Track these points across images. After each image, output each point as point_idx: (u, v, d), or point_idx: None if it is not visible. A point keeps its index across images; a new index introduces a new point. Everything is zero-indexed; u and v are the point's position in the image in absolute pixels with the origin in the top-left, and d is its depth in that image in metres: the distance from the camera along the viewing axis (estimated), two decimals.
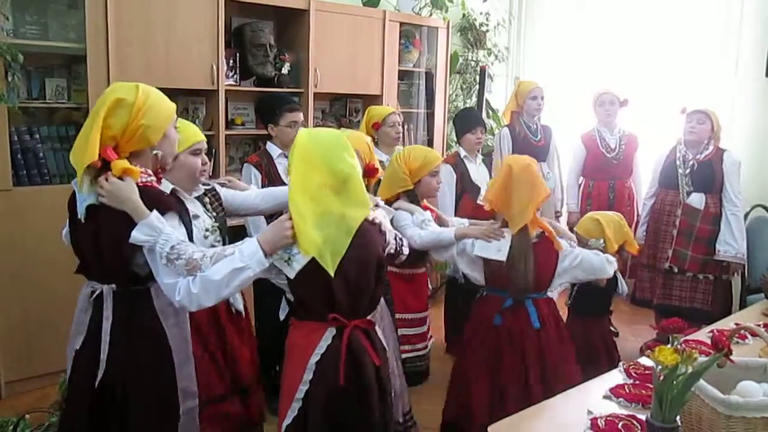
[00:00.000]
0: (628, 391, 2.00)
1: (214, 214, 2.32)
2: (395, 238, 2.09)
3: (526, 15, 5.78)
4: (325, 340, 1.83)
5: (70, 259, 1.97)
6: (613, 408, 1.91)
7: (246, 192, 2.55)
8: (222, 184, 2.52)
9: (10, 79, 3.06)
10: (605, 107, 4.20)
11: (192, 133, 2.23)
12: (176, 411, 1.94)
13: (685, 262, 3.69)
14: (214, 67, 3.78)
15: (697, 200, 3.67)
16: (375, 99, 4.59)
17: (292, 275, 1.80)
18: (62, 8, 3.38)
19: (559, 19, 5.48)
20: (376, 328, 1.97)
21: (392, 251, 2.06)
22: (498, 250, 2.46)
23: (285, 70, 4.19)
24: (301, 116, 3.22)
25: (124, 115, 1.77)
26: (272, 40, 4.14)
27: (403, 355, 2.81)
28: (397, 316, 2.76)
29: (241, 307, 2.40)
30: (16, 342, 3.26)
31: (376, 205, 2.42)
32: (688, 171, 3.69)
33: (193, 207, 2.21)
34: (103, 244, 1.81)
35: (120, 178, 1.76)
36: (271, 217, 2.73)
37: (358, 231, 1.82)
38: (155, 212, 1.76)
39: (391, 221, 2.57)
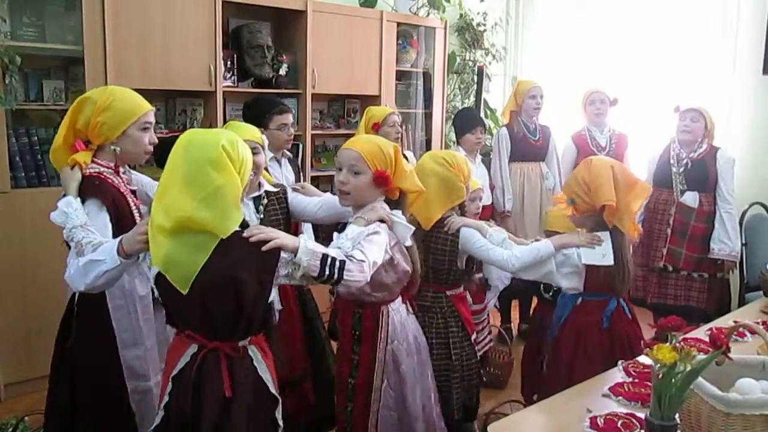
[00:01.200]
0: (627, 389, 2.00)
1: (261, 216, 2.36)
2: (325, 260, 1.69)
3: (523, 15, 5.79)
4: (185, 357, 1.72)
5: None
6: (612, 406, 1.91)
7: (309, 199, 2.57)
8: (295, 190, 2.60)
9: (7, 81, 3.06)
10: (595, 106, 4.19)
11: (239, 133, 2.03)
12: (123, 389, 2.11)
13: (680, 260, 3.69)
14: (212, 68, 3.78)
15: (691, 199, 3.67)
16: (373, 99, 4.59)
17: (152, 281, 1.74)
18: (60, 10, 3.38)
19: (556, 18, 5.49)
20: (255, 356, 1.75)
21: (313, 274, 1.69)
22: (603, 255, 2.38)
23: (283, 71, 4.19)
24: (291, 118, 3.15)
25: (87, 111, 2.10)
26: (270, 41, 4.14)
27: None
28: (474, 336, 2.62)
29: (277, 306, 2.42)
30: (15, 344, 3.26)
31: (381, 220, 2.04)
32: (681, 169, 3.69)
33: (243, 206, 2.15)
34: None
35: (73, 167, 2.07)
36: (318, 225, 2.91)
37: (220, 249, 1.62)
38: (68, 198, 1.99)
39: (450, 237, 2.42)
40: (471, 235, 2.44)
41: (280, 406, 1.81)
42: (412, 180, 2.16)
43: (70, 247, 1.97)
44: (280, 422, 1.82)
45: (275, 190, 2.46)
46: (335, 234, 2.02)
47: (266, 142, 2.56)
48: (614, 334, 2.44)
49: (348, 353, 2.25)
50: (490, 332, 3.51)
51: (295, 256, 1.67)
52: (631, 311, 2.55)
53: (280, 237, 1.68)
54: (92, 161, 2.13)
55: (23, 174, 3.26)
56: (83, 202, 2.02)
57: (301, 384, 2.49)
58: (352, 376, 2.23)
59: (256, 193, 2.36)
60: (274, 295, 2.00)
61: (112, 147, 2.14)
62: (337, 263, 1.71)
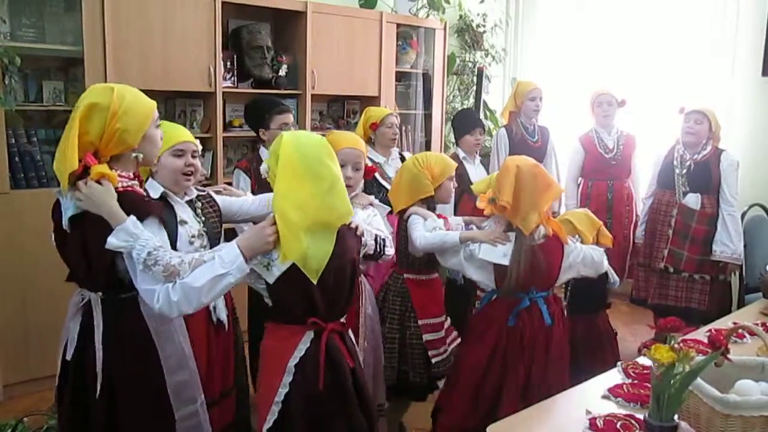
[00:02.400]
0: (626, 390, 2.00)
1: (203, 219, 2.24)
2: (376, 239, 2.10)
3: (522, 16, 5.79)
4: (303, 344, 1.83)
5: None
6: (611, 408, 1.91)
7: (242, 198, 2.50)
8: (217, 192, 2.48)
9: (7, 81, 3.06)
10: (603, 108, 4.20)
11: (174, 134, 2.17)
12: (170, 417, 1.94)
13: (681, 262, 3.69)
14: (212, 69, 3.78)
15: (693, 200, 3.67)
16: (372, 100, 4.59)
17: (271, 280, 1.78)
18: (59, 11, 3.38)
19: (555, 19, 5.49)
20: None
21: (371, 252, 2.07)
22: (504, 254, 2.42)
23: (282, 72, 4.20)
24: (291, 117, 3.16)
25: (99, 119, 1.77)
26: (269, 42, 4.14)
27: (432, 360, 2.80)
28: (421, 322, 2.77)
29: (223, 317, 2.32)
30: (15, 345, 3.26)
31: (370, 204, 2.45)
32: (684, 171, 3.69)
33: (182, 211, 2.16)
34: (91, 252, 1.81)
35: (98, 182, 1.75)
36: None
37: (336, 237, 1.84)
38: (132, 217, 1.74)
39: (399, 220, 2.66)
40: (412, 220, 2.66)
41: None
42: None
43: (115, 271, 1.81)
44: None
45: (203, 193, 2.36)
46: None
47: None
48: (517, 335, 2.44)
49: None
50: None
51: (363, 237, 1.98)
52: (554, 314, 2.50)
53: (360, 222, 2.00)
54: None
55: (23, 175, 3.26)
56: (140, 222, 1.77)
57: (231, 394, 2.46)
58: None
59: (188, 197, 2.25)
60: (219, 302, 2.22)
61: (134, 154, 1.87)
62: (382, 241, 2.11)
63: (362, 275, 2.58)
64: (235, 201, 2.47)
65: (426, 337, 2.78)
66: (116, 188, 1.78)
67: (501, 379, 2.44)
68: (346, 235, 1.89)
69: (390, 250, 2.19)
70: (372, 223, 2.22)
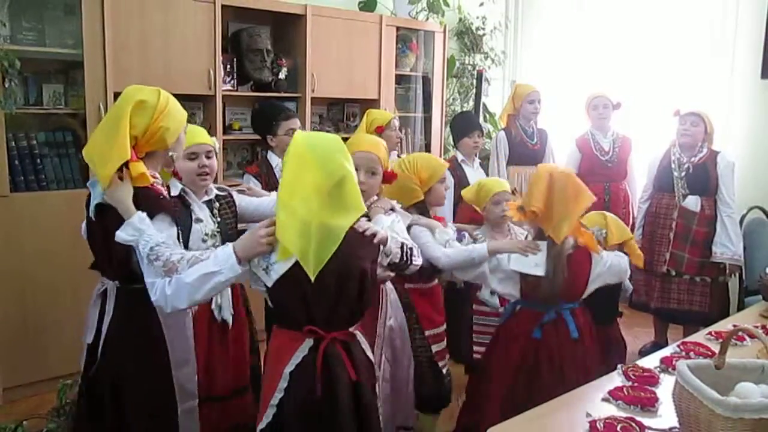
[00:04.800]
0: (626, 393, 2.00)
1: (219, 219, 2.32)
2: (404, 247, 1.99)
3: (522, 19, 5.80)
4: (301, 351, 1.78)
5: (69, 265, 2.01)
6: (611, 410, 1.91)
7: (260, 199, 2.55)
8: (241, 191, 2.55)
9: (7, 85, 3.06)
10: (598, 110, 4.21)
11: (188, 137, 2.25)
12: (173, 410, 2.00)
13: (683, 264, 3.69)
14: (211, 72, 3.79)
15: (692, 203, 3.68)
16: (372, 103, 4.60)
17: (269, 284, 1.76)
18: (59, 14, 3.38)
19: (555, 22, 5.50)
20: (360, 339, 1.91)
21: (396, 260, 1.97)
22: (535, 264, 2.35)
23: (282, 75, 4.20)
24: (297, 122, 3.21)
25: (146, 116, 1.90)
26: (269, 45, 4.15)
27: (443, 370, 2.72)
28: (427, 333, 2.67)
29: (228, 317, 2.35)
30: (15, 348, 3.25)
31: (392, 209, 2.33)
32: (683, 174, 3.70)
33: (199, 211, 2.27)
34: (111, 242, 1.88)
35: (120, 178, 1.86)
36: None
37: (343, 239, 1.73)
38: (139, 213, 1.83)
39: (409, 228, 2.48)
40: (418, 232, 2.53)
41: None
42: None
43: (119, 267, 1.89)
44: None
45: (223, 193, 2.43)
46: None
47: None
48: (544, 347, 2.38)
49: None
50: None
51: (384, 246, 1.89)
52: (582, 328, 2.44)
53: (379, 230, 1.90)
54: None
55: (22, 178, 3.26)
56: (150, 217, 1.87)
57: (245, 393, 2.46)
58: None
59: (207, 197, 2.33)
60: (225, 302, 2.23)
61: (170, 153, 2.02)
62: (409, 250, 2.01)
63: (388, 283, 2.44)
64: (253, 201, 2.52)
65: (434, 347, 2.69)
66: (135, 185, 1.88)
67: (533, 394, 2.29)
68: (357, 241, 1.81)
69: (417, 260, 2.08)
70: (396, 229, 2.12)
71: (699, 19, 4.57)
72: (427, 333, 2.67)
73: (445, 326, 2.80)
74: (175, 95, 3.86)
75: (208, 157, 2.32)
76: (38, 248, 3.20)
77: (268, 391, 1.81)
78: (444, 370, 2.73)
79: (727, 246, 3.60)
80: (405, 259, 2.00)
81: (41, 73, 3.43)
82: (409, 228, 2.49)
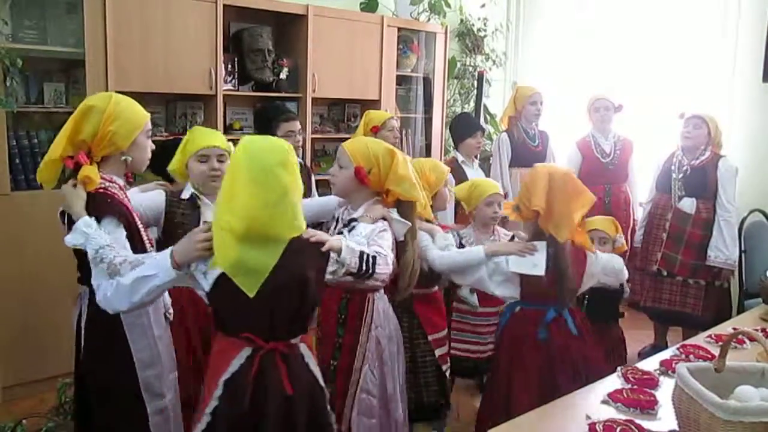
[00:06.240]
0: (626, 395, 2.00)
1: None
2: (363, 256, 1.86)
3: (523, 20, 5.80)
4: (238, 359, 1.72)
5: (68, 264, 2.01)
6: (611, 413, 1.90)
7: None
8: None
9: (8, 83, 3.06)
10: (600, 113, 4.22)
11: (199, 140, 2.29)
12: (142, 409, 2.04)
13: (675, 266, 3.69)
14: (213, 72, 3.79)
15: (688, 205, 3.68)
16: (373, 104, 4.60)
17: (206, 288, 1.72)
18: (61, 13, 3.38)
19: (556, 24, 5.50)
20: (304, 352, 1.82)
21: (353, 270, 1.83)
22: (534, 264, 2.35)
23: (283, 75, 4.20)
24: (297, 125, 3.20)
25: (94, 121, 1.95)
26: (270, 45, 4.15)
27: (447, 373, 2.72)
28: (431, 337, 2.67)
29: None
30: (14, 346, 3.25)
31: (383, 218, 2.20)
32: (681, 176, 3.70)
33: (209, 213, 2.29)
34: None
35: (74, 186, 1.92)
36: None
37: (284, 250, 1.69)
38: (85, 217, 1.88)
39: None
40: (419, 237, 2.50)
41: (328, 396, 1.89)
42: (405, 187, 2.23)
43: (78, 270, 1.93)
44: (331, 412, 1.90)
45: None
46: (345, 232, 2.09)
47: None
48: (552, 348, 2.37)
49: (332, 336, 2.35)
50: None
51: (339, 255, 1.80)
52: (580, 326, 2.44)
53: (330, 238, 1.82)
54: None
55: (23, 176, 3.26)
56: (98, 220, 1.90)
57: None
58: (335, 358, 2.33)
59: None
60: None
61: (123, 157, 2.04)
62: (371, 259, 1.88)
63: (377, 292, 2.36)
64: None
65: (438, 351, 2.69)
66: (90, 190, 1.94)
67: (554, 395, 2.21)
68: (300, 250, 1.72)
69: (382, 269, 1.92)
70: (375, 238, 2.03)
71: (700, 22, 4.57)
72: (431, 337, 2.66)
73: (446, 331, 2.80)
74: (176, 94, 3.91)
75: (220, 161, 2.35)
76: (38, 247, 3.20)
77: (206, 398, 1.76)
78: (448, 372, 2.73)
79: (722, 250, 3.59)
80: (365, 268, 1.86)
81: (42, 71, 3.44)
82: None
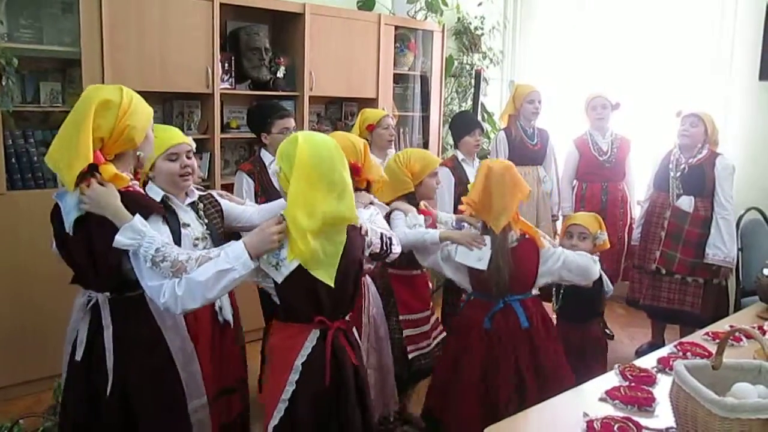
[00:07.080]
0: (623, 393, 2.01)
1: (206, 221, 2.26)
2: (382, 237, 2.09)
3: (520, 19, 5.80)
4: (309, 342, 1.86)
5: (65, 265, 1.97)
6: (608, 410, 1.91)
7: (243, 207, 2.51)
8: (220, 195, 2.50)
9: (4, 82, 3.05)
10: (597, 111, 4.23)
11: (166, 139, 2.16)
12: (184, 409, 1.99)
13: (673, 264, 3.69)
14: (209, 70, 3.78)
15: (686, 203, 3.68)
16: (370, 102, 4.60)
17: (279, 280, 1.81)
18: (57, 12, 3.38)
19: (553, 22, 5.50)
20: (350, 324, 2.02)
21: (377, 250, 2.08)
22: (479, 259, 2.45)
23: (280, 74, 4.20)
24: (292, 122, 3.19)
25: (111, 116, 1.80)
26: (267, 43, 4.14)
27: (409, 355, 2.83)
28: (401, 317, 2.82)
29: (229, 317, 2.34)
30: (10, 346, 3.25)
31: (371, 203, 2.43)
32: (678, 174, 3.70)
33: (184, 215, 2.20)
34: (97, 252, 1.81)
35: (101, 183, 1.77)
36: None
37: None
38: (138, 216, 1.77)
39: (387, 217, 2.60)
40: (394, 215, 2.70)
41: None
42: (378, 171, 2.53)
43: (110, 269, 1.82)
44: None
45: (204, 193, 2.37)
46: None
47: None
48: (496, 338, 2.45)
49: None
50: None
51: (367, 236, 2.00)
52: (534, 318, 2.50)
53: (363, 223, 2.02)
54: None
55: (19, 176, 3.26)
56: (145, 219, 1.80)
57: (234, 392, 2.45)
58: None
59: (191, 199, 2.26)
60: (225, 303, 2.27)
61: (138, 153, 1.92)
62: (387, 240, 2.11)
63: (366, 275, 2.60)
64: (236, 207, 2.49)
65: (406, 332, 2.82)
66: (118, 188, 1.80)
67: (492, 382, 2.43)
68: (352, 235, 1.91)
69: (397, 248, 2.18)
70: (375, 221, 2.21)
71: (698, 21, 4.57)
72: (402, 317, 2.82)
73: (427, 313, 2.92)
74: (173, 93, 3.91)
75: (188, 157, 2.22)
76: (35, 246, 3.19)
77: (277, 388, 1.85)
78: (418, 353, 2.85)
79: (720, 248, 3.59)
80: (385, 248, 2.10)
81: (39, 71, 3.43)
82: (390, 212, 2.69)
